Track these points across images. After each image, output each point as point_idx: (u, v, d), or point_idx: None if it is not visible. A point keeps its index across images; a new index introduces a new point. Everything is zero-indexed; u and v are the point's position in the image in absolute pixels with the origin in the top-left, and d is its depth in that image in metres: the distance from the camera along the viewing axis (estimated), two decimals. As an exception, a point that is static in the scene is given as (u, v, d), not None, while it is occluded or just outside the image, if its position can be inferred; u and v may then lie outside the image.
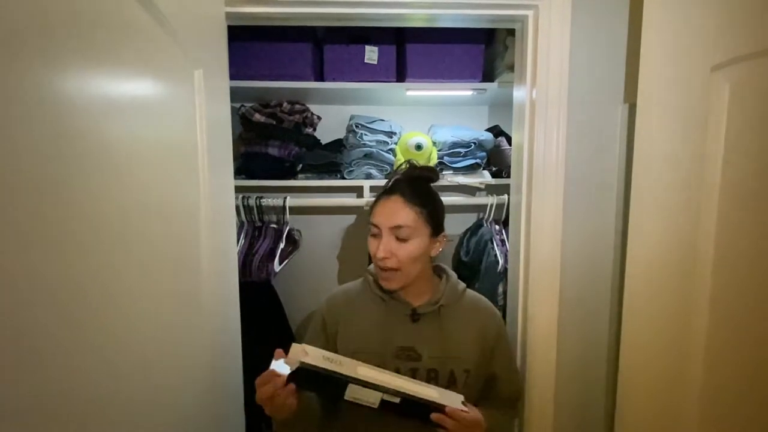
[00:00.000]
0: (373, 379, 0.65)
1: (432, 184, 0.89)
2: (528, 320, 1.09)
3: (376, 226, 0.82)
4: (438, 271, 0.93)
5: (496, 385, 0.89)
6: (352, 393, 0.66)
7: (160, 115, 0.58)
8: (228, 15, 0.92)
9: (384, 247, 0.79)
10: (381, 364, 0.80)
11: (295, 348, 0.64)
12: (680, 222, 0.86)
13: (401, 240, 0.80)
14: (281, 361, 0.63)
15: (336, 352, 0.82)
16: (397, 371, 0.81)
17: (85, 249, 0.40)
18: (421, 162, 0.94)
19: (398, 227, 0.79)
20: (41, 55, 0.34)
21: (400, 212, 0.80)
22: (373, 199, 1.40)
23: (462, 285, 0.91)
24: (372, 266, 0.91)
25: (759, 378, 0.92)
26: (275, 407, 0.64)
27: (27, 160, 0.33)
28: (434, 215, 0.84)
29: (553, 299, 1.06)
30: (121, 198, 0.47)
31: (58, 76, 0.36)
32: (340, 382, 0.65)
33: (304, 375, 0.63)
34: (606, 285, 1.10)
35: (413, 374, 0.81)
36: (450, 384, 0.82)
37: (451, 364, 0.82)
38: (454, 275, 0.92)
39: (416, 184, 0.86)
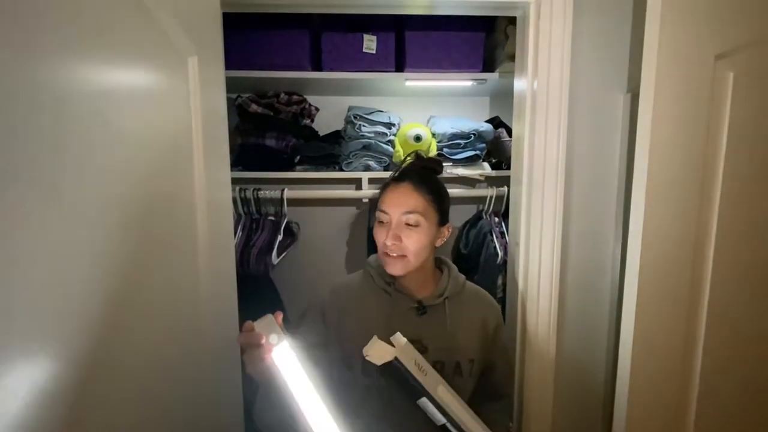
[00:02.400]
0: (448, 403, 0.70)
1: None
2: (527, 313, 1.09)
3: (385, 212, 0.82)
4: (438, 264, 0.93)
5: (491, 375, 0.90)
6: (423, 405, 0.70)
7: (152, 105, 0.56)
8: (223, 1, 0.89)
9: (394, 233, 0.80)
10: None
11: (397, 338, 0.68)
12: (683, 211, 0.85)
13: (411, 226, 0.80)
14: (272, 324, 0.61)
15: (335, 343, 0.83)
16: None
17: (79, 244, 0.39)
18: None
19: (409, 213, 0.80)
20: (25, 42, 0.33)
21: (411, 198, 0.81)
22: (372, 191, 1.41)
23: (462, 277, 0.92)
24: (372, 258, 0.91)
25: (756, 373, 0.92)
26: (255, 363, 0.60)
27: (15, 154, 0.32)
28: (442, 203, 0.85)
29: (552, 291, 1.06)
30: (114, 191, 0.46)
31: (42, 64, 0.35)
32: (418, 391, 0.68)
33: (389, 369, 0.67)
34: (606, 277, 1.10)
35: None
36: (455, 374, 0.82)
37: (457, 356, 0.83)
38: (454, 267, 0.92)
39: (425, 173, 0.87)
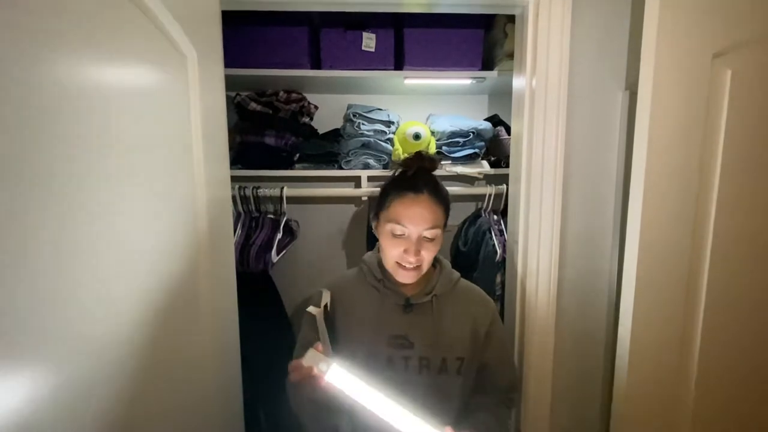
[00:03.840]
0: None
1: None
2: (526, 310, 1.09)
3: (404, 226, 0.80)
4: (433, 261, 0.92)
5: (488, 375, 0.89)
6: None
7: (152, 104, 0.56)
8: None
9: (416, 249, 0.80)
10: (373, 352, 0.82)
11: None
12: (681, 206, 0.85)
13: (428, 240, 0.81)
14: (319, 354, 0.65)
15: (335, 335, 0.84)
16: (390, 359, 0.82)
17: (79, 243, 0.40)
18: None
19: (430, 229, 0.80)
20: (24, 42, 0.33)
21: (432, 213, 0.81)
22: (371, 189, 1.41)
23: (456, 274, 0.91)
24: (368, 255, 0.91)
25: (752, 367, 0.93)
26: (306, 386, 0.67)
27: (14, 153, 0.32)
28: (449, 212, 0.86)
29: (550, 288, 1.07)
30: (115, 190, 0.46)
31: (41, 63, 0.35)
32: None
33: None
34: (604, 275, 1.10)
35: (405, 362, 0.82)
36: (441, 371, 0.83)
37: (443, 353, 0.83)
38: (448, 264, 0.92)
39: (435, 180, 0.86)
